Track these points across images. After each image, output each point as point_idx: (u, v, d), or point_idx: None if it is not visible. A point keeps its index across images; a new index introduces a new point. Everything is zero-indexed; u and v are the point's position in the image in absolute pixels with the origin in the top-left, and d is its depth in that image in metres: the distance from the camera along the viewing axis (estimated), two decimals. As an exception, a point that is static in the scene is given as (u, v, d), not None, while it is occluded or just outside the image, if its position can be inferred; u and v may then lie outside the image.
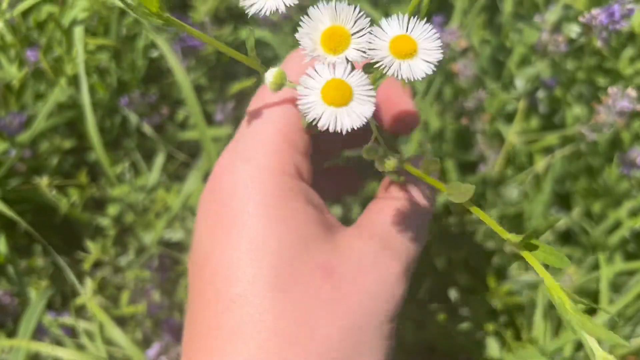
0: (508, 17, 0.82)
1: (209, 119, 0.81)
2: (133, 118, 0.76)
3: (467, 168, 0.86)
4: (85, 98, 0.65)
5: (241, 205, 0.34)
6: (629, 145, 0.81)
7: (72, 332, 0.74)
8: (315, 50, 0.28)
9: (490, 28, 0.93)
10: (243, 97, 0.81)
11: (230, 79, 0.90)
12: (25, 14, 0.81)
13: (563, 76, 0.82)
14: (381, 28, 0.28)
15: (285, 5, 0.29)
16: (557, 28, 0.70)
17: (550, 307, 0.83)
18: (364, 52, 0.28)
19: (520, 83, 0.70)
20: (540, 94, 0.72)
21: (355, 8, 0.28)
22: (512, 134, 0.76)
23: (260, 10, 0.29)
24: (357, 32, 0.28)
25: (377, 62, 0.28)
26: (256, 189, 0.35)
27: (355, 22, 0.28)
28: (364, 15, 0.28)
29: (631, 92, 0.65)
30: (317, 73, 0.28)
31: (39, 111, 0.79)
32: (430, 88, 0.76)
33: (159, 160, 0.82)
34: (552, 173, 0.82)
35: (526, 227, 0.89)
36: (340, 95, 0.27)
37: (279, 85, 0.30)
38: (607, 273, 0.76)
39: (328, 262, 0.34)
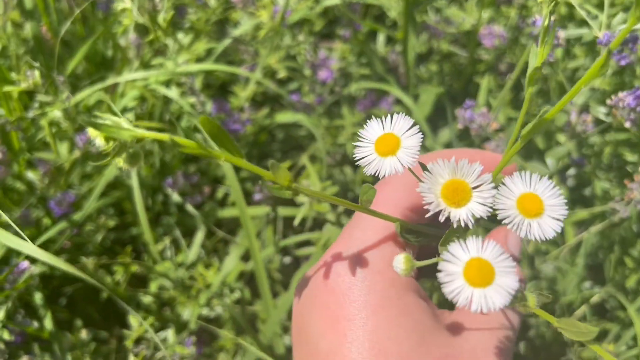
0: (531, 97, 0.86)
1: (248, 199, 0.85)
2: (176, 198, 0.80)
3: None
4: (135, 180, 0.69)
5: (359, 306, 0.35)
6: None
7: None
8: (439, 204, 0.29)
9: (517, 105, 0.97)
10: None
11: (267, 158, 0.94)
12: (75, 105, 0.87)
13: (591, 151, 0.84)
14: (506, 186, 0.29)
15: (402, 166, 0.30)
16: (585, 109, 0.73)
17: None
18: (489, 206, 0.29)
19: (551, 162, 0.72)
20: (571, 172, 0.74)
21: (476, 164, 0.29)
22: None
23: (378, 171, 0.31)
24: (478, 186, 0.29)
25: (504, 220, 0.28)
26: (371, 288, 0.35)
27: (477, 176, 0.29)
28: (481, 170, 0.29)
29: (661, 170, 0.66)
30: (453, 255, 0.28)
31: (85, 191, 0.83)
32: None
33: (199, 236, 0.85)
34: (585, 248, 0.82)
35: (561, 300, 0.89)
36: (484, 276, 0.27)
37: (409, 270, 0.30)
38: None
39: (446, 355, 0.35)
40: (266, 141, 0.93)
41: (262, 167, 1.01)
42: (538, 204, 0.29)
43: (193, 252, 0.86)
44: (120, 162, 0.26)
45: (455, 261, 0.28)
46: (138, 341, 0.81)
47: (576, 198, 0.90)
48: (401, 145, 0.31)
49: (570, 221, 0.83)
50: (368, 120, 0.32)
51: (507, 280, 0.27)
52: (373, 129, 0.32)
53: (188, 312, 0.82)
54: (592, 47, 0.72)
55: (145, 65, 0.77)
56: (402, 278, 0.36)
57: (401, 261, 0.30)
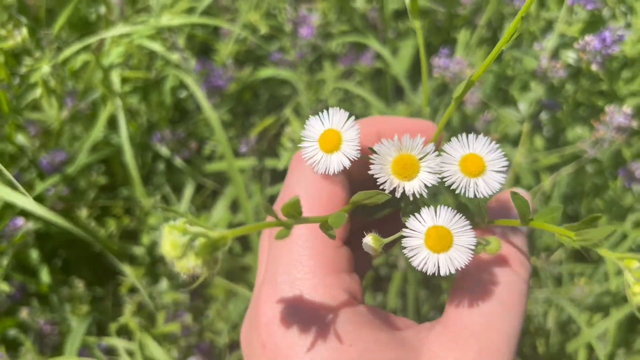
0: (508, 46, 0.89)
1: (234, 153, 0.87)
2: (165, 152, 0.82)
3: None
4: (124, 134, 0.71)
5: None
6: (630, 160, 0.86)
7: (112, 354, 0.78)
8: (392, 181, 0.30)
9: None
10: (264, 132, 0.87)
11: (252, 114, 0.97)
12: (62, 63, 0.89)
13: (563, 99, 0.87)
14: (447, 152, 0.31)
15: (349, 160, 0.31)
16: (555, 55, 0.76)
17: (559, 322, 0.86)
18: (437, 174, 0.30)
19: (523, 107, 0.76)
20: (543, 116, 0.77)
21: (418, 138, 0.30)
22: (519, 155, 0.81)
23: (327, 169, 0.31)
24: (424, 156, 0.30)
25: (452, 186, 0.30)
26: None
27: (420, 148, 0.30)
28: (423, 142, 0.30)
29: (627, 109, 0.70)
30: (413, 229, 0.29)
31: (75, 150, 0.85)
32: (438, 114, 0.82)
33: (189, 190, 0.88)
34: (559, 190, 0.86)
35: (537, 245, 0.93)
36: (443, 241, 0.29)
37: (380, 248, 0.31)
38: (616, 283, 0.80)
39: None
40: (250, 99, 0.95)
41: (246, 124, 1.03)
42: (479, 163, 0.30)
43: (183, 206, 0.89)
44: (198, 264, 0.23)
45: (416, 234, 0.29)
46: (132, 292, 0.85)
47: (552, 146, 0.93)
48: (343, 139, 0.32)
49: (543, 166, 0.86)
50: (308, 120, 0.33)
51: (464, 238, 0.29)
52: (314, 128, 0.32)
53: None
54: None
55: (130, 23, 0.79)
56: (348, 315, 0.32)
57: (370, 241, 0.31)
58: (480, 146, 0.31)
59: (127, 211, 0.90)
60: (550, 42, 0.72)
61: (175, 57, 0.77)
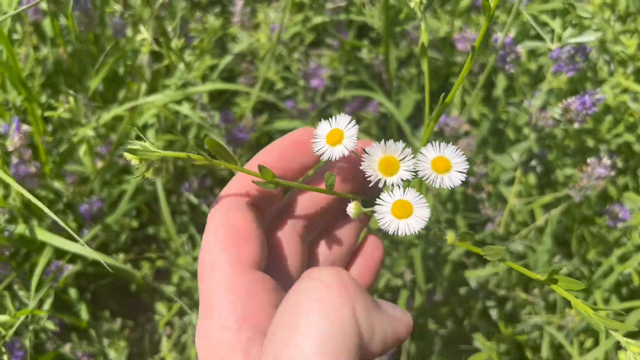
0: (502, 96, 0.98)
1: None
2: (193, 199, 0.91)
3: (477, 227, 1.00)
4: (159, 186, 0.79)
5: None
6: (616, 199, 0.95)
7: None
8: (377, 175, 0.39)
9: (488, 104, 1.09)
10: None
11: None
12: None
13: (553, 144, 0.96)
14: (422, 154, 0.40)
15: (348, 150, 0.40)
16: (543, 108, 0.85)
17: (553, 346, 0.94)
18: (413, 172, 0.39)
19: (515, 156, 0.84)
20: (533, 163, 0.86)
21: (399, 143, 0.39)
22: (512, 197, 0.90)
23: (331, 157, 0.40)
24: (403, 158, 0.39)
25: (423, 178, 0.40)
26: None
27: (401, 152, 0.39)
28: (407, 147, 0.39)
29: (606, 161, 0.78)
30: (384, 200, 0.39)
31: (106, 196, 0.94)
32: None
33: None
34: (551, 227, 0.95)
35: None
36: (405, 211, 0.38)
37: (359, 214, 0.40)
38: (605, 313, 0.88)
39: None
40: (266, 143, 1.04)
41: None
42: (446, 163, 0.39)
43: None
44: (148, 174, 0.34)
45: (385, 204, 0.39)
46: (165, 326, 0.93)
47: (544, 183, 1.02)
48: (344, 136, 0.40)
49: (537, 205, 0.95)
50: (319, 121, 0.42)
51: (422, 211, 0.38)
52: (324, 128, 0.41)
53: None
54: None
55: (160, 86, 0.88)
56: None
57: (352, 207, 0.40)
58: (449, 152, 0.40)
59: (156, 247, 0.98)
60: (538, 100, 0.81)
61: (200, 115, 0.86)
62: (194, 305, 0.95)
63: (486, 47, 1.10)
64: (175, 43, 0.80)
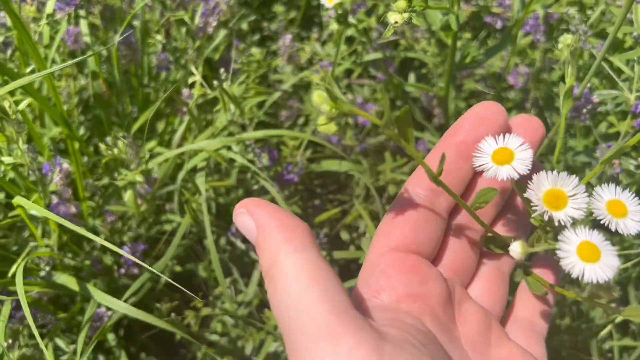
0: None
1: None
2: (240, 244, 0.87)
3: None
4: (208, 231, 0.76)
5: None
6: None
7: None
8: (542, 207, 0.36)
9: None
10: (332, 224, 0.91)
11: (314, 197, 1.01)
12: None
13: (632, 180, 0.91)
14: (598, 193, 0.36)
15: (518, 174, 0.37)
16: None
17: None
18: (583, 211, 0.35)
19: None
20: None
21: (574, 177, 0.36)
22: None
23: (496, 175, 0.37)
24: (574, 195, 0.36)
25: (598, 218, 0.36)
26: None
27: (574, 187, 0.36)
28: (578, 182, 0.36)
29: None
30: (567, 238, 0.35)
31: (146, 237, 0.90)
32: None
33: (256, 277, 0.92)
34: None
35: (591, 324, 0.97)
36: (593, 255, 0.34)
37: (525, 254, 0.37)
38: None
39: None
40: (312, 184, 1.00)
41: (309, 207, 1.07)
42: (623, 208, 0.36)
43: (250, 290, 0.93)
44: (328, 127, 0.32)
45: (570, 242, 0.35)
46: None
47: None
48: (515, 157, 0.37)
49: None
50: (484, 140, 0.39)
51: (611, 259, 0.34)
52: (489, 144, 0.38)
53: (250, 347, 0.89)
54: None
55: (202, 120, 0.84)
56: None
57: (518, 246, 0.37)
58: (626, 197, 0.36)
59: (194, 293, 0.94)
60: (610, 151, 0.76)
61: (250, 157, 0.82)
62: (238, 353, 0.91)
63: (539, 82, 1.06)
64: (227, 84, 0.76)
